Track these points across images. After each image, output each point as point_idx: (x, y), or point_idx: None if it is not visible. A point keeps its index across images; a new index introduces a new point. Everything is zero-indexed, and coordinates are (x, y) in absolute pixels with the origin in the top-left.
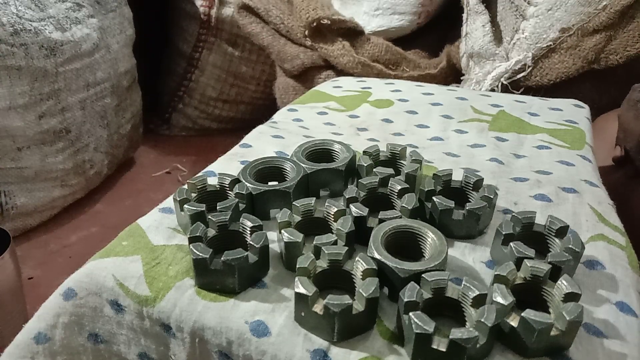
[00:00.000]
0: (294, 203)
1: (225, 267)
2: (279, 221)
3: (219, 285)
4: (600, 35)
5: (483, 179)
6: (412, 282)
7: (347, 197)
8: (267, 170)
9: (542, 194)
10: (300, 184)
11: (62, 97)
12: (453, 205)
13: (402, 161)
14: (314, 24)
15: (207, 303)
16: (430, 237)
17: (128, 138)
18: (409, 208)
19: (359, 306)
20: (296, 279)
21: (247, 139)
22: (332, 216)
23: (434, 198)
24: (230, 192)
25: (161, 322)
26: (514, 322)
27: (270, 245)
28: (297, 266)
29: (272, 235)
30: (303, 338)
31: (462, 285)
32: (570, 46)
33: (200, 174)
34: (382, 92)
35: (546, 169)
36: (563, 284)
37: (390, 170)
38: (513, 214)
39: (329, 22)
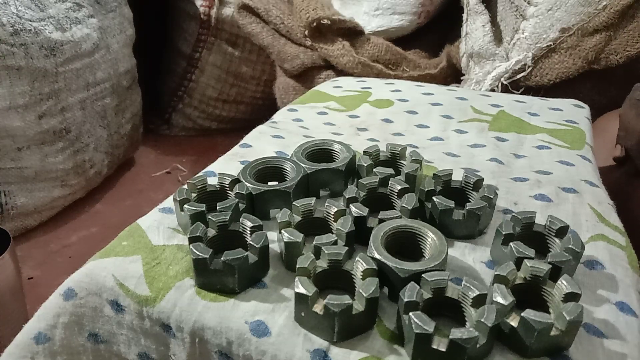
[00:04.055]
0: (294, 203)
1: (225, 267)
2: (279, 221)
3: (219, 285)
4: (600, 35)
5: (483, 179)
6: (412, 282)
7: (347, 197)
8: (267, 170)
9: (542, 194)
10: (300, 184)
11: (62, 97)
12: (453, 205)
13: (402, 161)
14: (314, 24)
15: (207, 303)
16: (430, 237)
17: (128, 138)
18: (409, 208)
19: (359, 306)
20: (296, 279)
21: (247, 139)
22: (332, 216)
23: (434, 198)
24: (230, 192)
25: (161, 322)
26: (514, 322)
27: (270, 245)
28: (297, 266)
29: (272, 235)
30: (303, 338)
31: (462, 285)
32: (570, 46)
33: (200, 174)
34: (382, 92)
35: (546, 169)
36: (563, 284)
37: (390, 170)
38: (513, 214)
39: (329, 22)
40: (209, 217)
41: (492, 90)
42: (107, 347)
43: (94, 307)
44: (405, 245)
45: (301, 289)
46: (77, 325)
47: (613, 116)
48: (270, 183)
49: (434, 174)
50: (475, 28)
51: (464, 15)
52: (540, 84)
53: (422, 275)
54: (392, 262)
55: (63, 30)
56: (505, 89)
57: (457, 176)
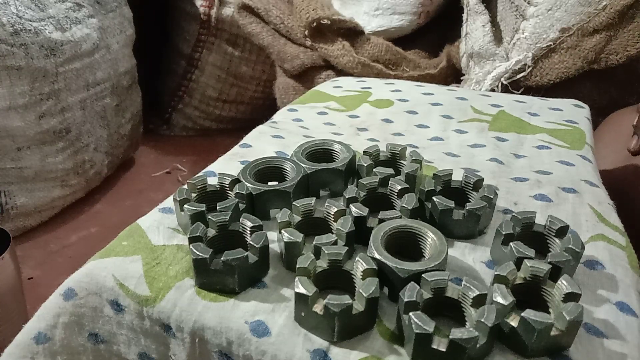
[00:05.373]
0: (294, 203)
1: (225, 267)
2: (279, 221)
3: (219, 285)
4: (600, 35)
5: (483, 179)
6: (412, 282)
7: (347, 197)
8: (267, 170)
9: (542, 194)
10: (300, 184)
11: (62, 97)
12: (453, 205)
13: (402, 161)
14: (314, 24)
15: (207, 303)
16: (430, 237)
17: (128, 138)
18: (409, 208)
19: (359, 306)
20: (296, 279)
21: (247, 139)
22: (332, 216)
23: (434, 198)
24: (230, 192)
25: (161, 322)
26: (514, 322)
27: (270, 245)
28: (297, 266)
29: (272, 235)
30: (303, 338)
31: (462, 285)
32: (570, 46)
33: (200, 174)
34: (382, 92)
35: (546, 169)
36: (563, 284)
37: (390, 170)
38: (513, 214)
39: (329, 22)
40: (209, 217)
41: (492, 90)
42: (107, 347)
43: (94, 307)
44: (405, 245)
45: (301, 289)
46: (77, 325)
47: (628, 111)
48: (270, 183)
49: (434, 174)
50: (475, 28)
51: (464, 15)
52: (540, 84)
53: (422, 275)
54: (392, 262)
55: (63, 30)
56: (505, 89)
57: (457, 176)
